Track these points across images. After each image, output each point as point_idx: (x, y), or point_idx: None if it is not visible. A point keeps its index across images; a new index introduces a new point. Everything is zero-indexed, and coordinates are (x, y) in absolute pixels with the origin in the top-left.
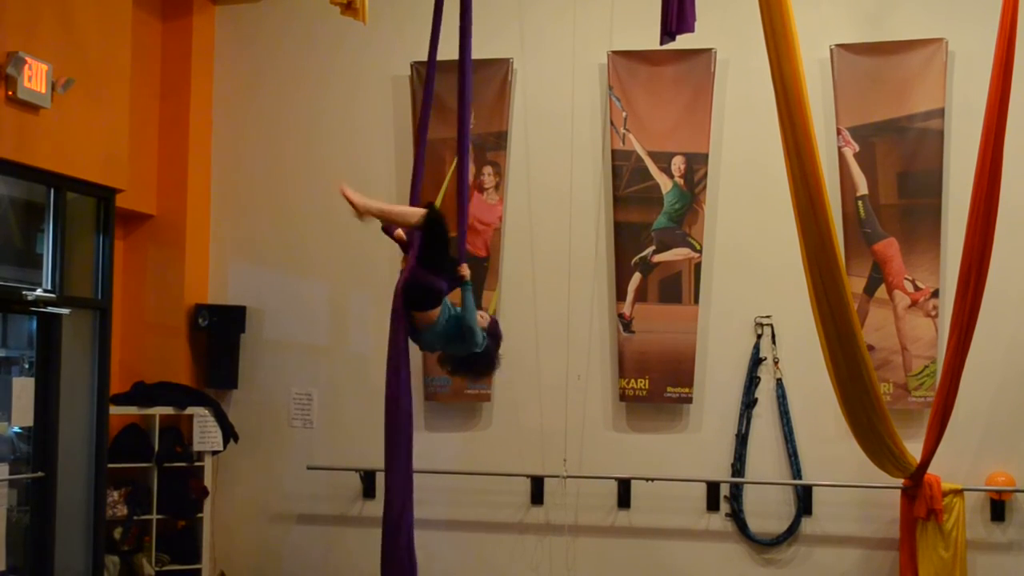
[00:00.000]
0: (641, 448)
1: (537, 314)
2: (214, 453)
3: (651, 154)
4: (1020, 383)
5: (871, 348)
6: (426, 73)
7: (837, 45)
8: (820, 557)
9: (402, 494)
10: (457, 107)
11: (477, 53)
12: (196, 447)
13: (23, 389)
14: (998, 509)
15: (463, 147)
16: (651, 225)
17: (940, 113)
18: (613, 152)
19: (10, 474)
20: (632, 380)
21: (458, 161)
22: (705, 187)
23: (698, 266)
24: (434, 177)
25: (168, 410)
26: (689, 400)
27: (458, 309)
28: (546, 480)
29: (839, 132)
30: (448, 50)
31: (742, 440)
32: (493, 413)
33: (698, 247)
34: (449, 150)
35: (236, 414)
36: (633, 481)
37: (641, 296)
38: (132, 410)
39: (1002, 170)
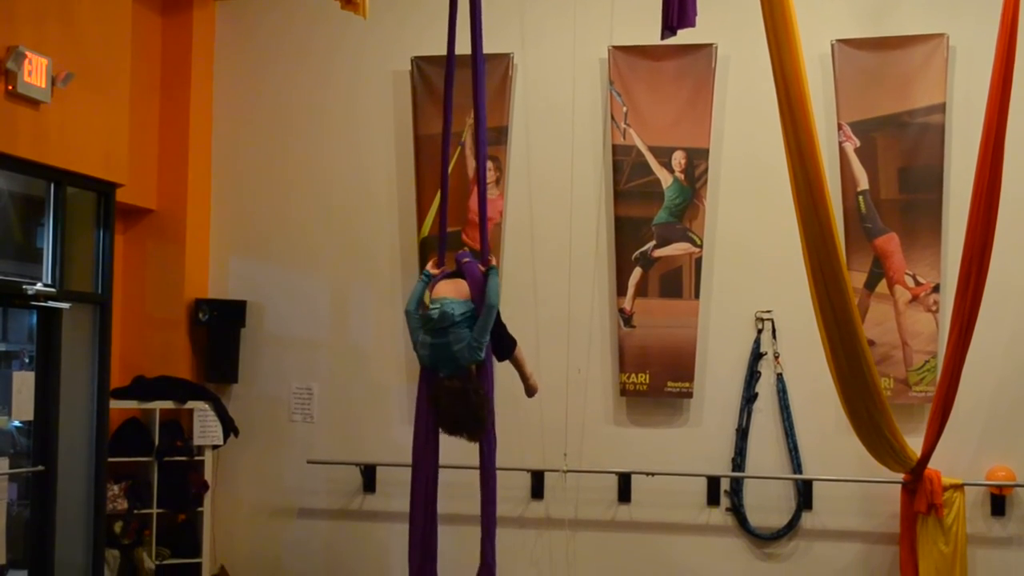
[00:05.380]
0: (641, 442)
1: (537, 309)
2: (214, 447)
3: (652, 149)
4: (1021, 378)
5: (872, 343)
6: (446, 70)
7: (838, 40)
8: (820, 551)
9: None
10: (473, 101)
11: None
12: (196, 441)
13: (23, 383)
14: (998, 504)
15: (480, 141)
16: (652, 220)
17: (941, 108)
18: (614, 147)
19: (10, 468)
20: (632, 375)
21: (477, 155)
22: (706, 182)
23: (699, 261)
24: (434, 172)
25: (168, 404)
26: (689, 395)
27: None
28: (546, 474)
29: (840, 127)
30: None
31: (742, 435)
32: (494, 407)
33: (699, 242)
34: (451, 145)
35: (236, 408)
36: (633, 475)
37: (642, 291)
38: (132, 404)
39: (1003, 165)
